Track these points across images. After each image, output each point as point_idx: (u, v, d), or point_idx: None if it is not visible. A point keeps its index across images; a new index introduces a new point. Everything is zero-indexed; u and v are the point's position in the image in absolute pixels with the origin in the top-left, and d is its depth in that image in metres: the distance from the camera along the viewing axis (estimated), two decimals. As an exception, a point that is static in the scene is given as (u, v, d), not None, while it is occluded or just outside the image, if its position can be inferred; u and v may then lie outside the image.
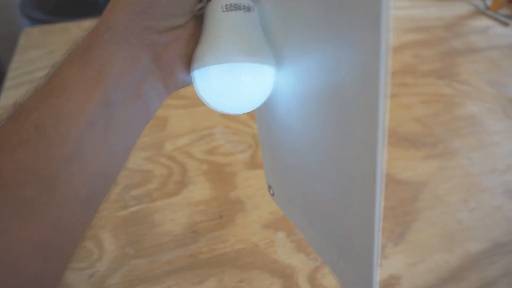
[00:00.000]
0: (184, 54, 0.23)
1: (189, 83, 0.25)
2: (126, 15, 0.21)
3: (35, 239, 0.18)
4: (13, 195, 0.18)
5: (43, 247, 0.19)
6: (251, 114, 0.57)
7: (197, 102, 0.63)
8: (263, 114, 0.30)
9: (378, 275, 0.22)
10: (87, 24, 0.83)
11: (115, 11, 0.21)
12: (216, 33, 0.22)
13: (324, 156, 0.24)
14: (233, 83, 0.22)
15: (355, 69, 0.18)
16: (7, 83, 0.66)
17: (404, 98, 0.65)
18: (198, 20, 0.23)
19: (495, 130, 0.59)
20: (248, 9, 0.22)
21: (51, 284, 0.20)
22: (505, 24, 0.84)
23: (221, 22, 0.22)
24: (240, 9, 0.22)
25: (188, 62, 0.23)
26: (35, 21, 1.08)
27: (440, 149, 0.56)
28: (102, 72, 0.20)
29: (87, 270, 0.41)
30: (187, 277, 0.41)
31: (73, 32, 0.80)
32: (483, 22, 0.85)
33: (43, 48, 0.75)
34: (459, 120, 0.61)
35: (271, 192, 0.35)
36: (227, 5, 0.22)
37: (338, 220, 0.24)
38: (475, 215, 0.47)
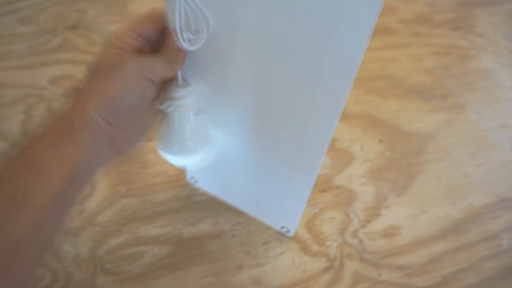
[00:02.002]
0: (132, 141, 0.28)
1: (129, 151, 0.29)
2: (97, 113, 0.24)
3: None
4: None
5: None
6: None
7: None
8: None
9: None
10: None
11: (88, 106, 0.24)
12: (170, 129, 0.30)
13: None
14: (180, 161, 0.31)
15: None
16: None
17: (415, 48, 0.61)
18: (139, 114, 0.28)
19: (509, 86, 0.56)
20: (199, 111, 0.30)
21: None
22: (528, -23, 0.78)
23: (172, 119, 0.29)
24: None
25: (133, 145, 0.29)
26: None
27: (449, 102, 0.53)
28: (70, 154, 0.23)
29: (76, 207, 0.40)
30: (180, 218, 0.39)
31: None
32: (504, -27, 0.80)
33: None
34: (472, 74, 0.57)
35: (194, 181, 0.41)
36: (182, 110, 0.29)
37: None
38: (482, 170, 0.46)
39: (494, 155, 0.47)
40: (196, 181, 0.41)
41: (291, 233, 0.38)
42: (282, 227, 0.38)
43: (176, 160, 0.30)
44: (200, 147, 0.30)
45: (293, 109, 0.26)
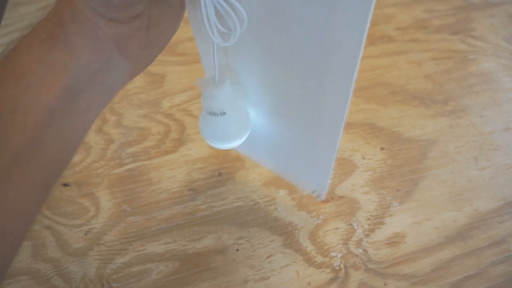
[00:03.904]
0: (146, 44, 0.23)
1: (150, 63, 0.25)
2: (88, 7, 0.19)
3: None
4: None
5: None
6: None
7: (195, 58, 0.60)
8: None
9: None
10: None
11: (77, 1, 0.19)
12: (212, 121, 0.31)
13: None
14: (227, 147, 0.33)
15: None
16: (-2, 39, 0.64)
17: (414, 54, 0.61)
18: (153, 7, 0.23)
19: (510, 87, 0.55)
20: (223, 113, 0.30)
21: (3, 265, 0.19)
22: (526, -23, 0.78)
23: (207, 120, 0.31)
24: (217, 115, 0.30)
25: (151, 51, 0.23)
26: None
27: (451, 107, 0.53)
28: (67, 61, 0.19)
29: (83, 227, 0.40)
30: (185, 234, 0.40)
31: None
32: (501, -25, 0.80)
33: (35, 4, 0.72)
34: (472, 77, 0.57)
35: None
36: (209, 111, 0.30)
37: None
38: (486, 174, 0.45)
39: (498, 158, 0.47)
40: None
41: (321, 197, 0.39)
42: (313, 191, 0.39)
43: (222, 146, 0.32)
44: (244, 131, 0.32)
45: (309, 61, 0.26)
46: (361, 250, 0.39)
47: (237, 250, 0.39)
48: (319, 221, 0.41)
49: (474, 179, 0.45)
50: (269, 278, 0.37)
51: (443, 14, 0.69)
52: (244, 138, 0.32)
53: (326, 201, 0.43)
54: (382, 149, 0.48)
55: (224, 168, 0.45)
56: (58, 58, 0.19)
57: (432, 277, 0.37)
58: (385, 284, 0.36)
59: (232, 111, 0.30)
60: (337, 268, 0.37)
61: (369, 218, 0.41)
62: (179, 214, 0.41)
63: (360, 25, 0.21)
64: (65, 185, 0.44)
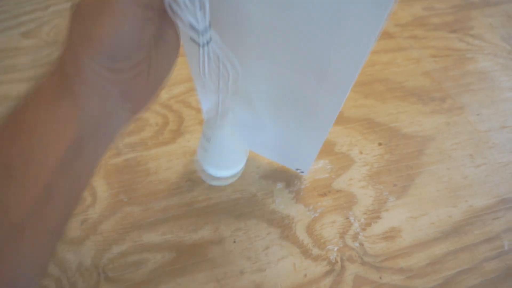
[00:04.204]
0: (147, 85, 0.23)
1: (151, 101, 0.25)
2: (93, 61, 0.20)
3: (3, 280, 0.18)
4: None
5: (11, 285, 0.19)
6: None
7: (194, 48, 0.59)
8: None
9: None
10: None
11: (81, 54, 0.20)
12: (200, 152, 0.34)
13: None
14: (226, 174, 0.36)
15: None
16: (-6, 26, 0.63)
17: (413, 51, 0.61)
18: (151, 49, 0.23)
19: (507, 86, 0.56)
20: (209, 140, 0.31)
21: None
22: (524, -23, 0.78)
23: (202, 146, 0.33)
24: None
25: (151, 90, 0.24)
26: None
27: (448, 104, 0.53)
28: (74, 113, 0.20)
29: (79, 217, 0.40)
30: (182, 225, 0.40)
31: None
32: (501, -26, 0.80)
33: (32, -9, 0.71)
34: (470, 75, 0.58)
35: None
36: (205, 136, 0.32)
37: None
38: (482, 171, 0.46)
39: (494, 156, 0.47)
40: None
41: (305, 173, 0.42)
42: (297, 169, 0.41)
43: (221, 173, 0.34)
44: (243, 158, 0.34)
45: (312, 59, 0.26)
46: (357, 244, 0.39)
47: (234, 241, 0.39)
48: (316, 215, 0.41)
49: (470, 176, 0.45)
50: (265, 270, 0.37)
51: (442, 12, 0.69)
52: (228, 172, 0.34)
53: (323, 194, 0.43)
54: (379, 144, 0.48)
55: (222, 160, 0.45)
56: (66, 110, 0.20)
57: (427, 271, 0.37)
58: (380, 277, 0.37)
59: (222, 145, 0.31)
60: (333, 261, 0.38)
61: (365, 213, 0.41)
62: (176, 205, 0.41)
63: (373, 29, 0.20)
64: (62, 174, 0.43)
